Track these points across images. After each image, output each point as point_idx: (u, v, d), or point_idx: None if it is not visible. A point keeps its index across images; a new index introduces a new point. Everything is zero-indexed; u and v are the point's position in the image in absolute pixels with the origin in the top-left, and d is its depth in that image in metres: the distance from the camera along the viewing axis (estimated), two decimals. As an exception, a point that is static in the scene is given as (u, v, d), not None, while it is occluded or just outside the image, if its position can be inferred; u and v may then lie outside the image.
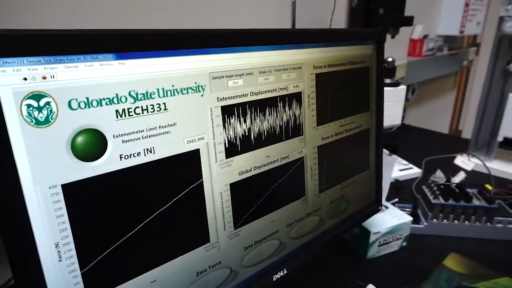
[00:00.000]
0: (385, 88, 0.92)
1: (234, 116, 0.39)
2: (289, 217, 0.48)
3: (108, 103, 0.30)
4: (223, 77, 0.38)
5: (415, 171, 1.05)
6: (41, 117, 0.27)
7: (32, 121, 0.27)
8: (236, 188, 0.41)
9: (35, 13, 0.63)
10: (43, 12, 0.64)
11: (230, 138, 0.39)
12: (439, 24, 1.80)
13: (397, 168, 1.06)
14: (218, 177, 0.39)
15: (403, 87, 0.94)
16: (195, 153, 0.37)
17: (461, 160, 0.93)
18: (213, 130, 0.38)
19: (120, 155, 0.31)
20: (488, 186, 0.98)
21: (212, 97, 0.37)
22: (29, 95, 0.26)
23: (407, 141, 1.36)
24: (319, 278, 0.66)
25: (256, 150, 0.42)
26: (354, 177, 0.58)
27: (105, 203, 0.31)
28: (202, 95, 0.37)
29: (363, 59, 0.55)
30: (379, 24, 0.95)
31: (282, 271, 0.48)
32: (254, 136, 0.42)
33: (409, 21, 0.92)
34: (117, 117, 0.31)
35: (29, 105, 0.26)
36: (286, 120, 0.45)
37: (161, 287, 0.36)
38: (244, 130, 0.41)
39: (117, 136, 0.31)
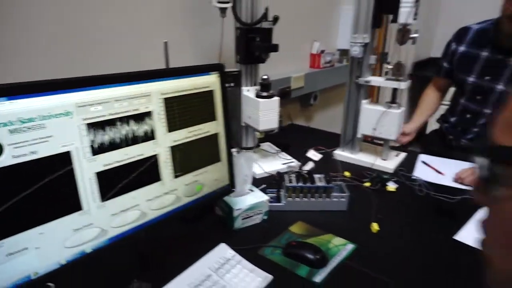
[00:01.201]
0: (262, 100, 1.19)
1: (96, 129, 0.62)
2: (148, 195, 0.72)
3: (3, 126, 0.52)
4: (86, 105, 0.60)
5: (295, 164, 1.33)
6: (-40, 136, 0.48)
7: (-46, 138, 0.48)
8: (101, 176, 0.64)
9: None
10: None
11: (94, 143, 0.62)
12: (337, 40, 2.13)
13: (281, 162, 1.33)
14: (87, 168, 0.62)
15: (276, 99, 1.21)
16: (68, 154, 0.59)
17: (312, 153, 1.21)
18: (81, 139, 0.60)
19: (13, 155, 0.53)
20: (347, 173, 1.27)
21: (79, 118, 0.60)
22: (-48, 124, 0.48)
23: (301, 140, 1.64)
24: (190, 242, 0.89)
25: (116, 150, 0.65)
26: (206, 167, 0.83)
27: (6, 183, 0.53)
28: (71, 117, 0.59)
29: (207, 85, 0.80)
30: (256, 50, 1.21)
31: (144, 232, 0.71)
32: (113, 141, 0.65)
33: (275, 48, 1.19)
34: (10, 134, 0.53)
35: (-48, 129, 0.48)
36: (139, 130, 0.68)
37: (47, 238, 0.58)
38: (105, 138, 0.63)
39: (10, 145, 0.53)
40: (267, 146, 1.48)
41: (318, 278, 0.79)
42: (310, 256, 0.83)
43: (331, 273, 0.81)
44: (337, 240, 0.92)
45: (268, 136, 1.41)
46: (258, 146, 1.38)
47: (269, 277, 0.77)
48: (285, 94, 1.71)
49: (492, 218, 0.28)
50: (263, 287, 0.75)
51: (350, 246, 0.90)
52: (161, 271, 0.78)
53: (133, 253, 0.78)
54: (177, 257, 0.83)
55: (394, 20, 1.19)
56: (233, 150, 1.28)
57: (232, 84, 1.28)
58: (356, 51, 1.25)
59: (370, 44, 1.27)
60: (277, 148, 1.46)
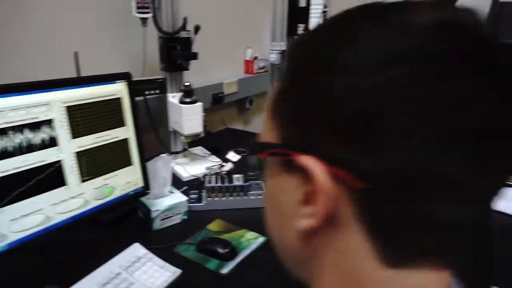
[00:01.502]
0: (185, 105, 1.24)
1: (-10, 137, 0.64)
2: (53, 199, 0.74)
3: None
4: (-23, 115, 0.63)
5: (215, 166, 1.38)
6: None
7: None
8: (-2, 182, 0.66)
9: None
10: None
11: (-12, 151, 0.64)
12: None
13: (208, 165, 1.38)
14: (-19, 175, 0.64)
15: (199, 104, 1.26)
16: (-41, 162, 0.61)
17: (231, 155, 1.28)
18: (-27, 147, 0.62)
19: None
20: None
21: (-30, 127, 0.62)
22: None
23: (235, 144, 1.69)
24: (107, 244, 0.92)
25: (12, 158, 0.68)
26: (117, 171, 0.86)
27: None
28: (-39, 127, 0.61)
29: (114, 93, 0.84)
30: (177, 58, 1.26)
31: (51, 235, 0.74)
32: (11, 148, 0.67)
33: (194, 56, 1.25)
34: None
35: None
36: (38, 137, 0.71)
37: None
38: (1, 145, 0.66)
39: None
40: (198, 150, 1.53)
41: (226, 270, 0.85)
42: (220, 250, 0.89)
43: (239, 265, 0.87)
44: (250, 235, 0.99)
45: (200, 140, 1.46)
46: (185, 150, 1.42)
47: (177, 272, 0.81)
48: (217, 100, 1.77)
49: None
50: (171, 281, 0.80)
51: (261, 239, 0.97)
52: (74, 274, 0.80)
53: (42, 257, 0.80)
54: (92, 259, 0.85)
55: (306, 29, 1.29)
56: (163, 155, 1.33)
57: (157, 91, 1.32)
58: (273, 58, 1.34)
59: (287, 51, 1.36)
60: (208, 152, 1.51)
